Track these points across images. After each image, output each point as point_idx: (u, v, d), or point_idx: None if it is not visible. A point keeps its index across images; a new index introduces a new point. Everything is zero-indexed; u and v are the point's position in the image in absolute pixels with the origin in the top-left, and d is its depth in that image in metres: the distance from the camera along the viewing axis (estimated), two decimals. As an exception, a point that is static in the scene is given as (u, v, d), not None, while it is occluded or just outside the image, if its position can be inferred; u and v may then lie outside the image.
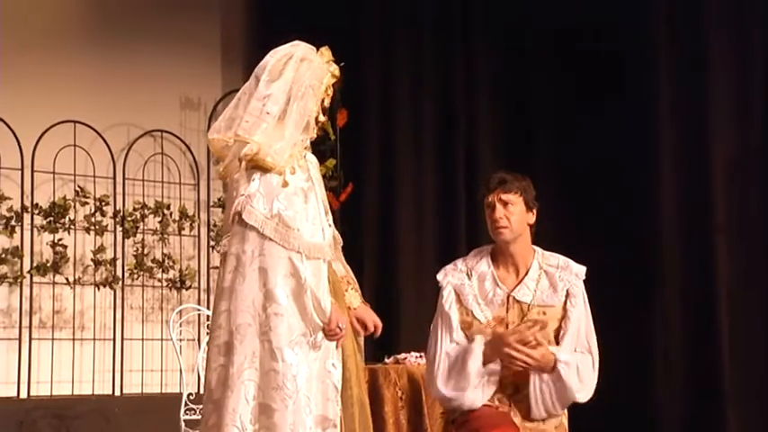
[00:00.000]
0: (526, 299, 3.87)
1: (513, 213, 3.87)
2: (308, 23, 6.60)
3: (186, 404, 5.30)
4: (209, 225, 6.98)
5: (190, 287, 6.85)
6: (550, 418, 3.83)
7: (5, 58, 6.31)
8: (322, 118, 3.71)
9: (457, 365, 3.81)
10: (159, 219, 6.78)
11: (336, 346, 3.61)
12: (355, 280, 3.84)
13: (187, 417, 5.26)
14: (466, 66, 6.74)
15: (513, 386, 3.84)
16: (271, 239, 3.50)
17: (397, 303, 6.56)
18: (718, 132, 5.82)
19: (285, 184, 3.55)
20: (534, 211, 3.92)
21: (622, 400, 5.57)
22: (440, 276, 3.97)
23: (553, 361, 3.75)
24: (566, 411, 3.93)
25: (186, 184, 7.00)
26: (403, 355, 5.65)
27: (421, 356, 5.53)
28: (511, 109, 6.63)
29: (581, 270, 3.93)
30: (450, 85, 6.76)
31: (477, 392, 3.77)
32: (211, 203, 7.01)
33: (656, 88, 5.95)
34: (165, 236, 6.79)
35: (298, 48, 3.73)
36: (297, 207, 3.56)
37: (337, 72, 3.75)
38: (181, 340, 6.27)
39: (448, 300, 3.91)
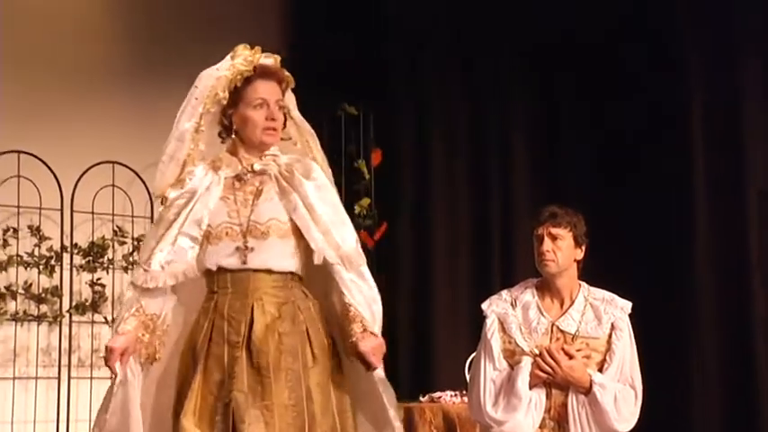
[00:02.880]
0: (570, 329, 3.83)
1: (561, 248, 3.83)
2: (343, 65, 6.68)
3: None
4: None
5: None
6: None
7: (45, 99, 6.32)
8: (200, 127, 3.36)
9: (504, 387, 3.79)
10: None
11: (114, 372, 3.25)
12: (368, 305, 3.34)
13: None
14: (499, 102, 6.73)
15: (556, 422, 3.79)
16: None
17: (432, 342, 6.52)
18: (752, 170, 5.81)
19: (166, 204, 3.33)
20: (583, 247, 3.89)
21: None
22: (484, 306, 3.93)
23: (589, 381, 3.74)
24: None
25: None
26: (438, 394, 5.66)
27: (456, 395, 5.55)
28: (545, 143, 6.62)
29: (627, 305, 3.89)
30: (484, 123, 6.74)
31: (528, 419, 3.74)
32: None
33: (691, 136, 5.95)
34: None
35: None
36: (149, 235, 3.40)
37: (242, 65, 3.33)
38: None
39: (491, 328, 3.87)
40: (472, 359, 4.35)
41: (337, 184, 6.60)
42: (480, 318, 3.94)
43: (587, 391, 3.74)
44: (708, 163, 5.92)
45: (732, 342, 5.73)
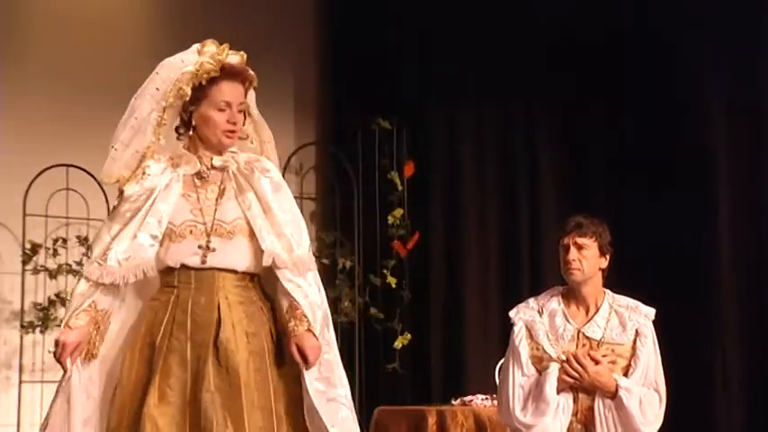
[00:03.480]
0: (596, 336, 3.89)
1: (587, 257, 3.88)
2: (376, 80, 6.75)
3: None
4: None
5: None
6: None
7: (92, 113, 6.32)
8: (168, 122, 3.22)
9: (533, 392, 3.83)
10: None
11: (64, 368, 3.12)
12: (312, 311, 3.21)
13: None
14: (527, 116, 6.77)
15: (583, 425, 3.85)
16: None
17: (464, 347, 6.54)
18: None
19: (122, 198, 3.20)
20: (607, 256, 3.94)
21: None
22: (512, 313, 3.99)
23: (614, 386, 3.79)
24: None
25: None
26: (469, 398, 5.66)
27: (486, 398, 5.54)
28: (571, 156, 6.64)
29: (650, 312, 3.94)
30: (511, 138, 6.79)
31: (557, 423, 3.79)
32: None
33: (715, 143, 5.99)
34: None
35: (168, 58, 3.25)
36: (102, 228, 3.21)
37: (210, 65, 3.15)
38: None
39: (519, 335, 3.92)
40: (501, 365, 4.40)
41: (371, 195, 6.83)
42: (508, 325, 3.98)
43: (613, 395, 3.78)
44: (731, 170, 5.92)
45: (754, 347, 5.74)
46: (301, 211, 8.07)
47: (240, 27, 6.72)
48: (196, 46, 3.20)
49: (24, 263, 5.96)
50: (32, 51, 6.16)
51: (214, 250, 3.14)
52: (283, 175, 6.76)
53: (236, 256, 3.17)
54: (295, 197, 7.42)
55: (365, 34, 6.83)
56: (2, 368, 6.09)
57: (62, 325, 3.16)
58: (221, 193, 3.20)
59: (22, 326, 5.94)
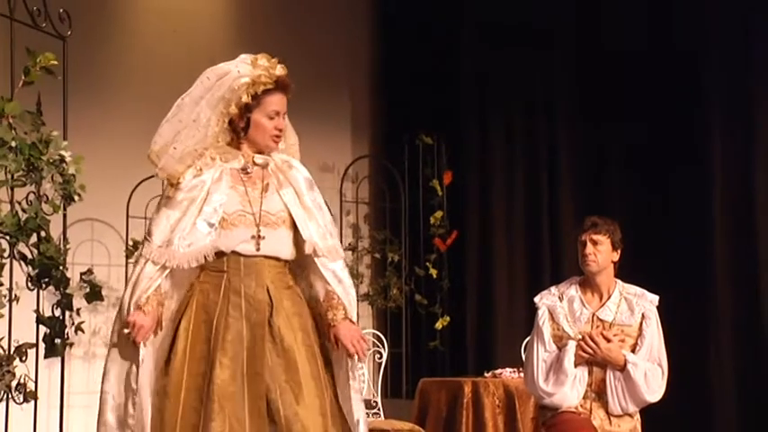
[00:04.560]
0: (608, 318, 3.88)
1: (601, 252, 3.88)
2: (422, 98, 6.76)
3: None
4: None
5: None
6: (626, 415, 3.82)
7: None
8: (228, 125, 3.07)
9: (554, 366, 3.84)
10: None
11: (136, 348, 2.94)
12: (347, 294, 3.08)
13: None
14: (549, 130, 6.73)
15: (596, 394, 3.84)
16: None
17: (495, 327, 6.52)
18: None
19: (178, 189, 3.01)
20: (619, 250, 3.93)
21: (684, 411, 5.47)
22: (536, 299, 3.99)
23: (623, 361, 3.79)
24: (638, 417, 3.90)
25: (323, 232, 7.05)
26: (499, 371, 5.64)
27: (514, 371, 5.53)
28: (589, 163, 6.57)
29: (655, 298, 3.94)
30: (536, 149, 6.75)
31: (574, 392, 3.79)
32: (344, 247, 7.00)
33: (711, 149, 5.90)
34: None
35: (231, 62, 3.09)
36: (162, 215, 3.01)
37: (266, 78, 3.03)
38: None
39: (542, 318, 3.92)
40: (527, 343, 4.43)
41: (416, 199, 6.84)
42: (533, 309, 3.99)
43: (622, 368, 3.79)
44: (723, 170, 5.83)
45: (745, 337, 5.66)
46: (356, 214, 8.12)
47: (300, 49, 6.61)
48: (247, 57, 3.06)
49: (127, 257, 6.01)
50: (130, 83, 6.20)
51: (264, 238, 3.02)
52: (341, 183, 6.96)
53: (281, 244, 3.05)
54: (351, 202, 7.45)
55: (412, 62, 6.82)
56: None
57: (130, 303, 2.94)
58: (265, 187, 3.08)
59: (125, 309, 5.99)
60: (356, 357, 3.03)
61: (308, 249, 3.04)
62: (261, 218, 3.02)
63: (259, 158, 3.10)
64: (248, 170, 3.08)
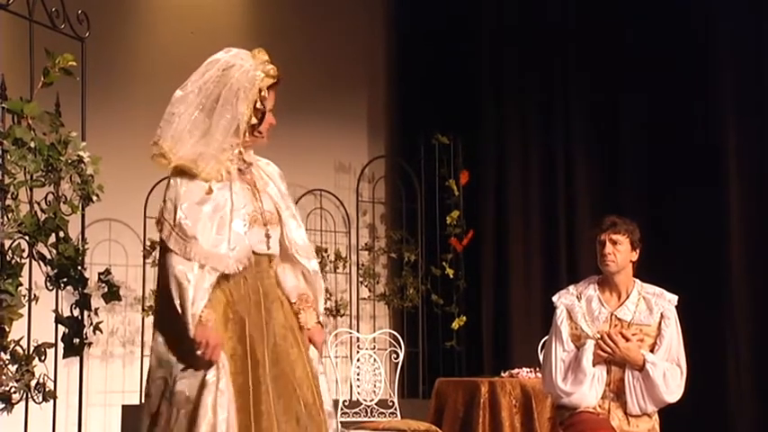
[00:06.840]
0: (626, 317, 3.85)
1: (620, 251, 3.85)
2: (438, 98, 6.77)
3: (341, 408, 5.30)
4: (358, 264, 7.01)
5: (343, 314, 6.88)
6: (645, 415, 3.79)
7: None
8: (254, 121, 2.98)
9: (572, 365, 3.81)
10: (319, 260, 6.83)
11: (211, 364, 2.85)
12: (316, 298, 3.11)
13: (341, 419, 5.26)
14: (564, 131, 6.71)
15: (615, 394, 3.81)
16: (172, 251, 2.86)
17: (510, 327, 6.52)
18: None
19: (210, 191, 2.91)
20: (638, 250, 3.89)
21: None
22: (555, 298, 3.96)
23: (642, 360, 3.75)
24: (656, 417, 3.85)
25: (339, 232, 7.06)
26: (516, 370, 5.61)
27: (530, 371, 5.50)
28: (604, 162, 6.58)
29: (673, 298, 3.90)
30: (552, 149, 6.74)
31: (593, 391, 3.77)
32: (360, 247, 7.06)
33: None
34: (324, 273, 6.85)
35: (227, 53, 2.99)
36: (200, 215, 2.88)
37: (273, 72, 2.98)
38: (337, 357, 6.29)
39: (561, 317, 3.89)
40: (544, 342, 4.39)
41: (432, 199, 6.83)
42: (550, 308, 3.96)
43: (641, 368, 3.75)
44: (740, 168, 5.84)
45: (763, 337, 5.67)
46: (372, 214, 8.11)
47: (317, 57, 6.64)
48: (239, 51, 2.99)
49: (145, 257, 6.04)
50: (147, 83, 6.21)
51: (271, 237, 3.01)
52: (358, 183, 6.97)
53: (278, 242, 3.05)
54: (368, 202, 7.43)
55: (428, 62, 6.83)
56: (128, 344, 6.17)
57: (190, 314, 2.80)
58: (260, 186, 3.05)
59: (143, 309, 6.02)
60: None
61: (292, 247, 3.05)
62: (266, 217, 3.01)
63: (247, 158, 3.04)
64: (243, 170, 3.03)
